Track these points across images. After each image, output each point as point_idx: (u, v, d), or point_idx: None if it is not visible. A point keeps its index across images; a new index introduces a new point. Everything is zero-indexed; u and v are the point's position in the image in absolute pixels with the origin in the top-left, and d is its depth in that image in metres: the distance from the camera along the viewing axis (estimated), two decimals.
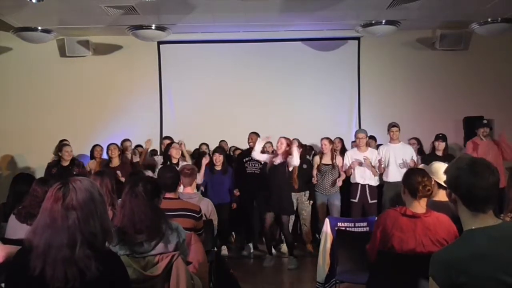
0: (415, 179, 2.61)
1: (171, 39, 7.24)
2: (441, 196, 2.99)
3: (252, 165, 5.96)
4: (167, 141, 6.07)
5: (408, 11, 6.56)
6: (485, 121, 6.18)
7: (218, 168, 5.80)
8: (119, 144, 6.28)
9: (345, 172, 5.76)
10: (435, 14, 6.89)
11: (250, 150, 5.93)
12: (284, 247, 5.89)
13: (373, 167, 5.63)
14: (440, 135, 5.95)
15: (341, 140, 6.58)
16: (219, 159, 5.79)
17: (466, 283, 1.46)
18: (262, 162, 5.49)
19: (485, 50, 7.72)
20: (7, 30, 6.75)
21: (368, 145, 5.98)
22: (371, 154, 5.73)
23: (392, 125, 5.81)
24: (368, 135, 6.09)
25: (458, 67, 7.82)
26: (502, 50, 7.69)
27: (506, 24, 6.24)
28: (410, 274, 2.42)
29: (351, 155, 5.79)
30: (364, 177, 5.66)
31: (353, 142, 6.44)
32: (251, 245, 6.02)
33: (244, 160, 6.05)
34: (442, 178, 2.95)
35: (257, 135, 6.08)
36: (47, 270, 1.49)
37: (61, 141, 6.25)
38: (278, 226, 5.72)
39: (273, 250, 5.71)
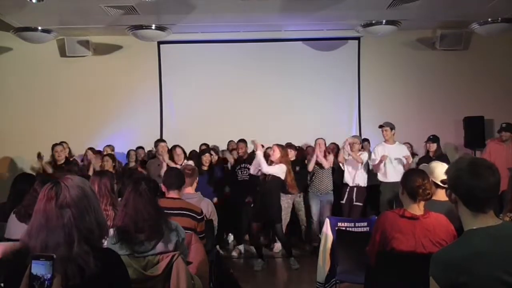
0: (415, 182, 2.57)
1: (171, 39, 7.24)
2: (439, 195, 2.99)
3: (242, 173, 6.10)
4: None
5: (408, 11, 6.56)
6: (504, 125, 5.99)
7: (205, 168, 5.94)
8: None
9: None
10: (435, 14, 6.89)
11: (241, 158, 6.29)
12: (277, 246, 5.99)
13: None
14: (431, 137, 6.04)
15: (336, 145, 6.62)
16: (207, 160, 5.98)
17: (466, 283, 1.46)
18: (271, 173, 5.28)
19: (485, 50, 7.72)
20: (7, 30, 6.74)
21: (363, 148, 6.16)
22: (364, 157, 5.82)
23: (381, 125, 5.81)
24: (363, 137, 6.18)
25: (458, 67, 7.82)
26: (502, 50, 7.69)
27: (506, 24, 6.24)
28: (410, 275, 2.42)
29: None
30: (353, 178, 5.74)
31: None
32: (241, 246, 6.07)
33: (236, 168, 6.20)
34: (438, 177, 2.96)
35: (245, 142, 6.38)
36: None
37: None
38: (268, 230, 5.90)
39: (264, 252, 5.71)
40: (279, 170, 5.15)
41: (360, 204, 5.70)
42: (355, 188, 5.72)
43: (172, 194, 3.28)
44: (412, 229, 2.53)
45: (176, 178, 3.32)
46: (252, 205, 5.68)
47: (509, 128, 5.94)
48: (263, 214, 5.20)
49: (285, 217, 5.72)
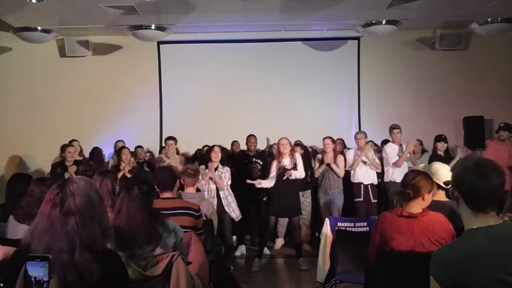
0: (405, 181, 2.62)
1: (171, 39, 7.23)
2: (440, 196, 2.99)
3: (252, 167, 6.04)
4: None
5: (408, 11, 6.56)
6: (502, 125, 6.05)
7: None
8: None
9: (351, 167, 5.84)
10: (435, 14, 6.89)
11: (249, 152, 6.26)
12: (278, 242, 6.05)
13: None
14: (443, 136, 6.09)
15: (343, 141, 6.63)
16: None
17: (466, 282, 1.45)
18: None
19: (485, 50, 7.72)
20: (7, 30, 6.74)
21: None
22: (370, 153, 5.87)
23: (393, 127, 5.87)
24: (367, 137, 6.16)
25: (458, 67, 7.82)
26: (502, 50, 7.69)
27: (506, 24, 6.24)
28: (410, 274, 2.42)
29: (353, 154, 5.88)
30: (366, 177, 5.76)
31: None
32: (243, 247, 6.00)
33: (244, 162, 6.15)
34: (441, 179, 2.97)
35: (255, 137, 6.36)
36: None
37: (70, 141, 6.24)
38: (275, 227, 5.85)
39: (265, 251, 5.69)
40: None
41: (376, 201, 5.75)
42: (369, 186, 5.74)
43: (167, 194, 3.28)
44: (411, 228, 2.53)
45: (170, 179, 3.32)
46: (264, 200, 5.69)
47: (507, 128, 5.99)
48: (283, 208, 5.21)
49: None
